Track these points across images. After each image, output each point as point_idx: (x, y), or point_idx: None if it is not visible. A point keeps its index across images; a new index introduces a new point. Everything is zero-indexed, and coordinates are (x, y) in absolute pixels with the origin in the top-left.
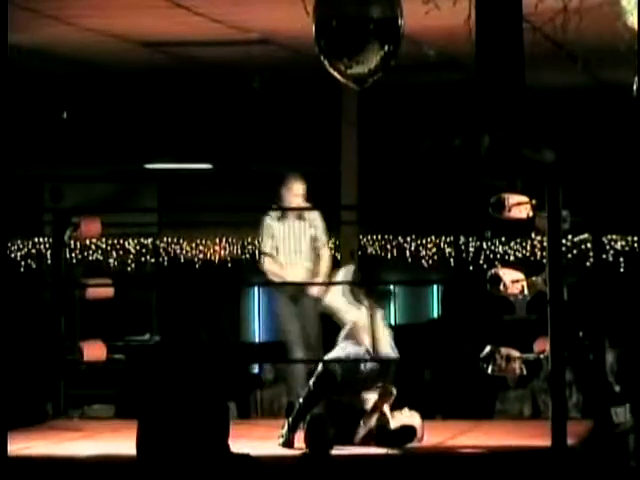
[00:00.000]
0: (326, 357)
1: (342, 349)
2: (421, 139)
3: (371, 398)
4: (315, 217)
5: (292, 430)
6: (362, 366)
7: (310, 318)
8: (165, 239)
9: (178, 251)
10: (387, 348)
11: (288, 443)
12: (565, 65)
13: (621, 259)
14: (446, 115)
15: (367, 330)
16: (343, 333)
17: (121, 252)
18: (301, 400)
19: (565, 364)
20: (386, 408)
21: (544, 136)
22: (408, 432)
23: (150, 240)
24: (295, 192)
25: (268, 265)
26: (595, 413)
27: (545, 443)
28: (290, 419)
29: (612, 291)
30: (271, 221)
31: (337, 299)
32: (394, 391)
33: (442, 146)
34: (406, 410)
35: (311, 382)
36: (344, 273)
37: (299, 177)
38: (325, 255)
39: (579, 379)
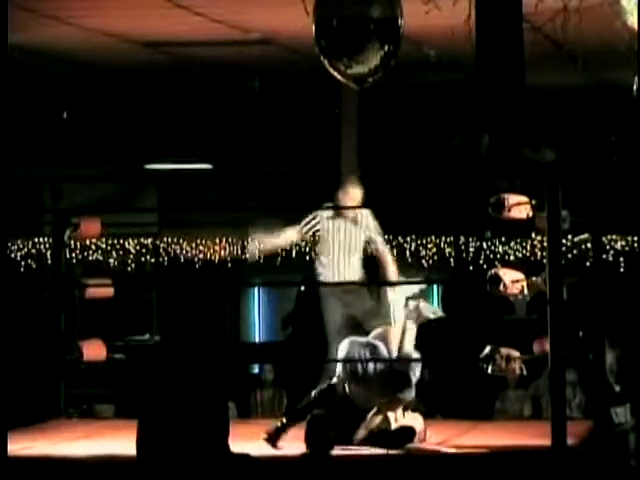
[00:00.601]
0: (349, 340)
1: (367, 340)
2: (421, 139)
3: (376, 402)
4: (369, 221)
5: (282, 430)
6: (376, 367)
7: (361, 302)
8: (165, 239)
9: (178, 251)
10: (409, 359)
11: (271, 439)
12: (565, 65)
13: (621, 259)
14: (446, 115)
15: (398, 339)
16: (377, 331)
17: (121, 252)
18: (300, 405)
19: (567, 364)
20: (390, 413)
21: (544, 136)
22: (406, 433)
23: (150, 240)
24: (352, 196)
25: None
26: (595, 413)
27: (545, 443)
28: (284, 420)
29: (612, 291)
30: (320, 216)
31: (400, 294)
32: (404, 400)
33: (442, 146)
34: (409, 412)
35: (313, 393)
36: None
37: (357, 181)
38: (385, 254)
39: (582, 379)
